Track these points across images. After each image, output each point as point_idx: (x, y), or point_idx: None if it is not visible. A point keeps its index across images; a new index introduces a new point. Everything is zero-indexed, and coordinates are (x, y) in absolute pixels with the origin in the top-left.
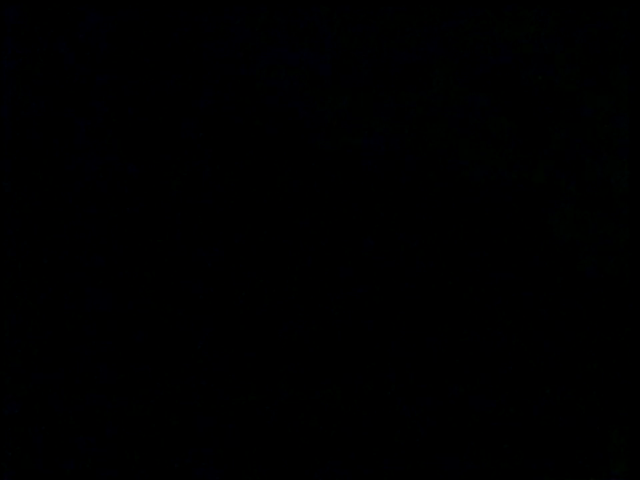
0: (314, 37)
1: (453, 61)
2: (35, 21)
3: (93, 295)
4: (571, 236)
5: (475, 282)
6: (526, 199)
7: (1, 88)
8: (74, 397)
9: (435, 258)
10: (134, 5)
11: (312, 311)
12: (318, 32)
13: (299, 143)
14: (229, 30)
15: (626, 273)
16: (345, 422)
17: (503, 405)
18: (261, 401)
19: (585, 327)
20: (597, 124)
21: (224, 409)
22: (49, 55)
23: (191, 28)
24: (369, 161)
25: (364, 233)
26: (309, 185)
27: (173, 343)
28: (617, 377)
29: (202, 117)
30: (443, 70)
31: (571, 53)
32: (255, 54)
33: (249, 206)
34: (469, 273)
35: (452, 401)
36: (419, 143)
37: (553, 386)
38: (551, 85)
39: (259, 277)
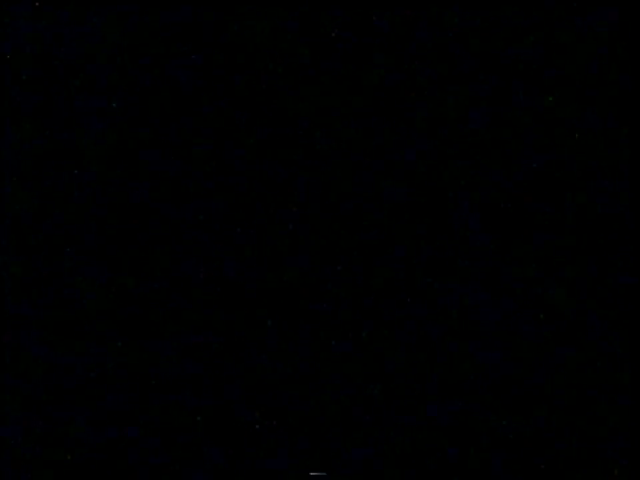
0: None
1: (454, 67)
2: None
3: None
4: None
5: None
6: (525, 202)
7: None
8: (73, 396)
9: (432, 260)
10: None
11: (312, 313)
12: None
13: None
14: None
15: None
16: (345, 422)
17: (502, 407)
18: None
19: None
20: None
21: (223, 408)
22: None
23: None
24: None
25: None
26: (310, 185)
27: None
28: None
29: (203, 115)
30: (444, 76)
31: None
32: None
33: (248, 202)
34: (469, 275)
35: (453, 405)
36: (418, 145)
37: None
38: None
39: (256, 275)
